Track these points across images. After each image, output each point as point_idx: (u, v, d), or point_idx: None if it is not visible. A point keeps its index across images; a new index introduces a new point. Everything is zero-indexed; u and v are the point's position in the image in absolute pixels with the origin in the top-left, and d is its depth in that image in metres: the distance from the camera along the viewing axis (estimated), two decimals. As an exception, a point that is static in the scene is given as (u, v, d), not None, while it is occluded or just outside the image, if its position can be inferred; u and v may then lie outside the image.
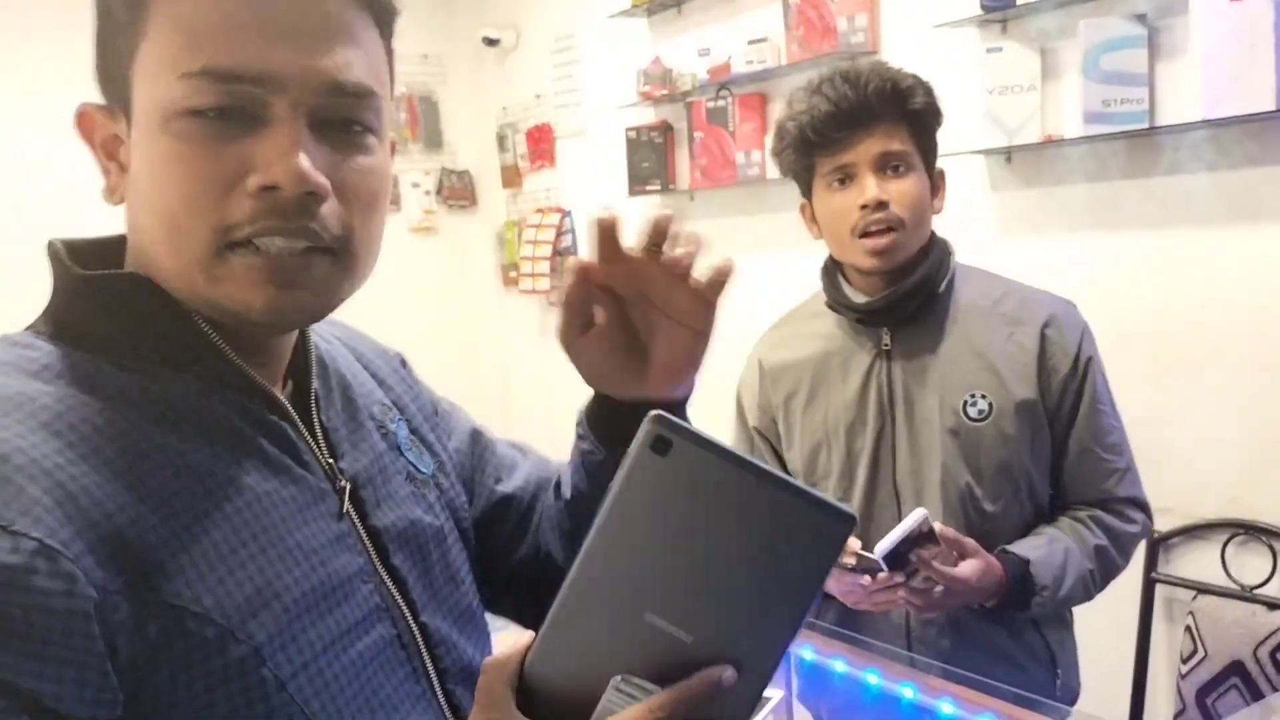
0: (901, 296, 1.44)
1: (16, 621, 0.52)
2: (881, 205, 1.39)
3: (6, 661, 0.52)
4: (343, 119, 0.64)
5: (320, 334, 0.81)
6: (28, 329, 0.66)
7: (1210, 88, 1.94)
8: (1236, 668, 1.91)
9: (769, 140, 2.87)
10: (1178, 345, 2.17)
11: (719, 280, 0.71)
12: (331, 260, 0.65)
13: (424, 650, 0.72)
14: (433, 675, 0.73)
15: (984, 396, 1.43)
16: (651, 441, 0.53)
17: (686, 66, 3.14)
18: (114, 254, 0.69)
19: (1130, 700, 2.17)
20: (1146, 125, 2.08)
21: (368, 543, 0.71)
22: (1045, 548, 1.40)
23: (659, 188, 3.29)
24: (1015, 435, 1.42)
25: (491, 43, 3.94)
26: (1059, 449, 1.47)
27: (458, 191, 4.19)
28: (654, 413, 0.54)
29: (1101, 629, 1.79)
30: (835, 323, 1.54)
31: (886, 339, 1.48)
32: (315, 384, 0.74)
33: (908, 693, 1.32)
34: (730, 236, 3.13)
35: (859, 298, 1.49)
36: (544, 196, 3.90)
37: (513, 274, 4.03)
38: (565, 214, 3.80)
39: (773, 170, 2.85)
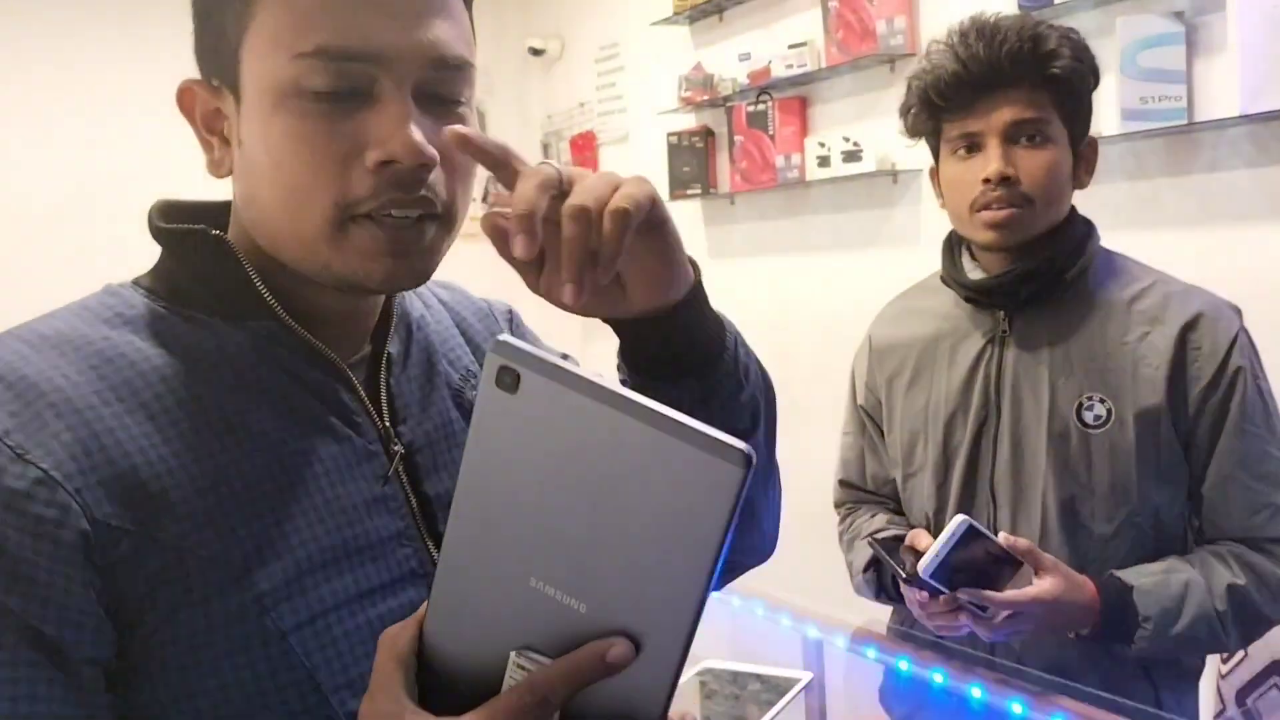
0: (1017, 278, 1.27)
1: (10, 543, 0.56)
2: (1006, 180, 1.23)
3: None
4: (442, 91, 0.67)
5: (423, 296, 0.82)
6: (132, 280, 0.71)
7: (1248, 83, 1.93)
8: (1277, 668, 1.88)
9: (809, 143, 2.92)
10: (1219, 343, 2.15)
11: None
12: (438, 225, 0.69)
13: None
14: None
15: (1102, 401, 1.24)
16: (496, 376, 0.45)
17: (727, 71, 3.18)
18: (214, 216, 0.72)
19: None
20: (1185, 122, 2.08)
21: (415, 508, 0.71)
22: (1158, 576, 1.20)
23: (699, 191, 3.32)
24: (1134, 449, 1.23)
25: (537, 53, 4.02)
26: (1198, 473, 1.25)
27: (504, 199, 4.24)
28: (497, 338, 0.46)
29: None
30: (954, 301, 1.37)
31: (1004, 324, 1.31)
32: (391, 348, 0.76)
33: (979, 694, 1.23)
34: (770, 239, 3.15)
35: (976, 274, 1.33)
36: (588, 203, 3.96)
37: (557, 279, 4.09)
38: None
39: (812, 172, 2.88)
